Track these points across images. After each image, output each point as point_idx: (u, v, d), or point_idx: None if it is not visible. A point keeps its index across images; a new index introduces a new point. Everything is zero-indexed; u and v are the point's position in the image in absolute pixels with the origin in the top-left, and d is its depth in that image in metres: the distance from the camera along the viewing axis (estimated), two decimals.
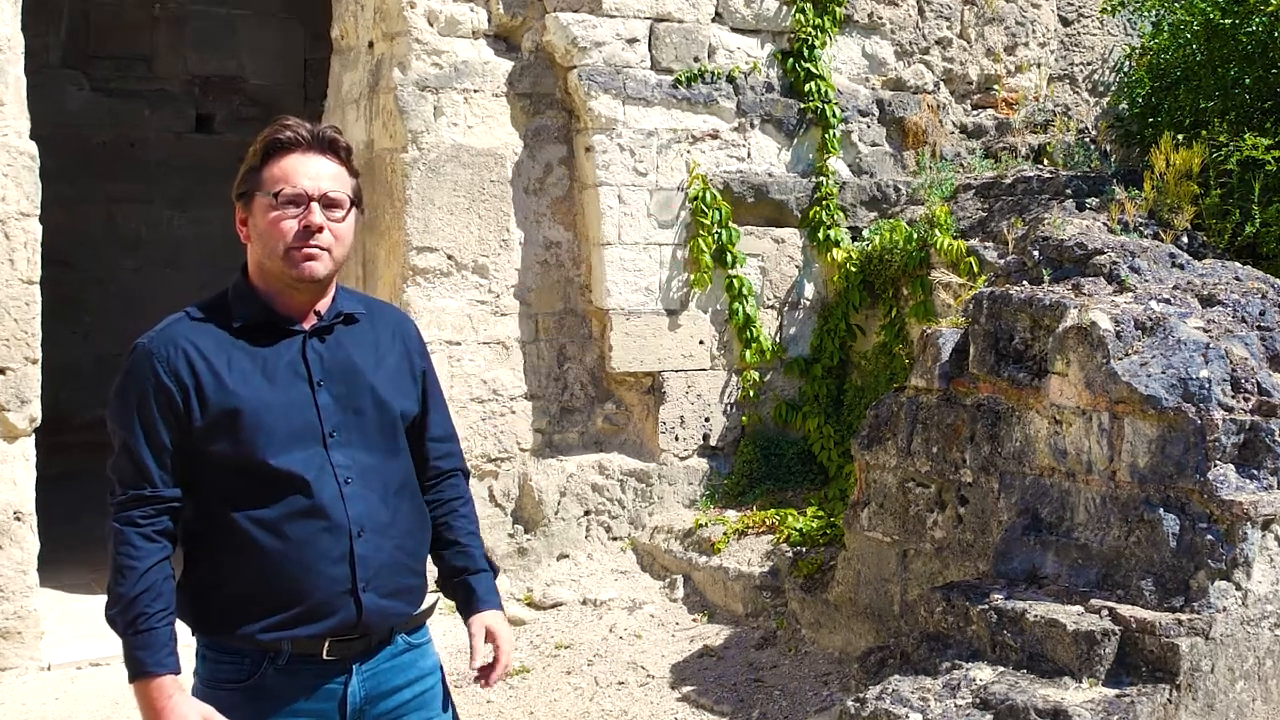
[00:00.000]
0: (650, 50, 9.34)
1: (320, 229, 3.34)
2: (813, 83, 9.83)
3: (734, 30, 9.68)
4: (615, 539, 9.17)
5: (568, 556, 9.00)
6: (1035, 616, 5.56)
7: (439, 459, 3.70)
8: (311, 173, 3.36)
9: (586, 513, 9.11)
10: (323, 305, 3.47)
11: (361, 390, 3.44)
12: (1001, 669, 5.53)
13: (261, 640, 3.28)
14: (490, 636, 3.65)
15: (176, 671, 3.21)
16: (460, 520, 3.72)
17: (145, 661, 3.18)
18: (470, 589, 3.70)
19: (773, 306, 9.73)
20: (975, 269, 8.68)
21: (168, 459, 3.28)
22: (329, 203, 3.37)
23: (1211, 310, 6.35)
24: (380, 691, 3.42)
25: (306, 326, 3.43)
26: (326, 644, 3.31)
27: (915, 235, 9.19)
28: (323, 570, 3.28)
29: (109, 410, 3.35)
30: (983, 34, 10.90)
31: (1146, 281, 6.63)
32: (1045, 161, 10.35)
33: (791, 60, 9.86)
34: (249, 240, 3.43)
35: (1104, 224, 7.96)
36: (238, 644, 3.32)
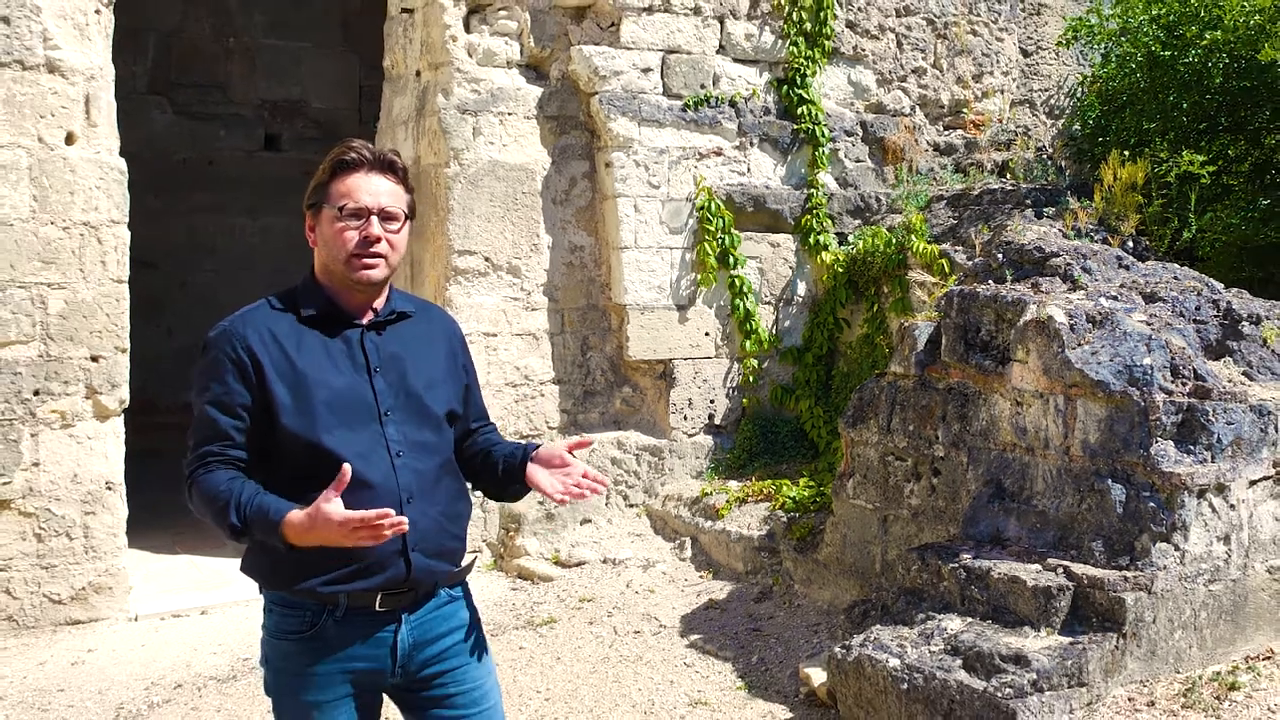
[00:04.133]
0: (662, 78, 9.33)
1: (378, 239, 3.36)
2: (804, 107, 9.83)
3: (735, 61, 9.67)
4: (631, 506, 9.18)
5: (590, 521, 9.00)
6: (999, 574, 5.56)
7: (478, 434, 3.71)
8: (372, 189, 3.38)
9: None
10: (379, 303, 3.48)
11: (412, 378, 3.45)
12: (970, 620, 5.53)
13: (321, 593, 3.29)
14: (566, 460, 3.50)
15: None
16: (502, 442, 3.68)
17: (269, 512, 3.15)
18: (523, 452, 3.57)
19: (769, 303, 9.73)
20: (947, 270, 8.67)
21: (238, 424, 3.29)
22: (386, 216, 3.39)
23: (1153, 306, 6.34)
24: (426, 639, 3.42)
25: (365, 321, 3.44)
26: (379, 597, 3.32)
27: (894, 240, 9.18)
28: None
29: (192, 385, 3.36)
30: (953, 64, 10.87)
31: (1096, 281, 6.62)
32: (1008, 176, 10.33)
33: (786, 87, 9.85)
34: (316, 245, 3.45)
35: (1059, 230, 7.94)
36: (299, 597, 3.32)
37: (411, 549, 3.33)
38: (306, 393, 3.29)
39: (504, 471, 3.59)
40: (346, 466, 3.14)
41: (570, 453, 3.53)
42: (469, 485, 3.69)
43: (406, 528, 3.12)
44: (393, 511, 3.09)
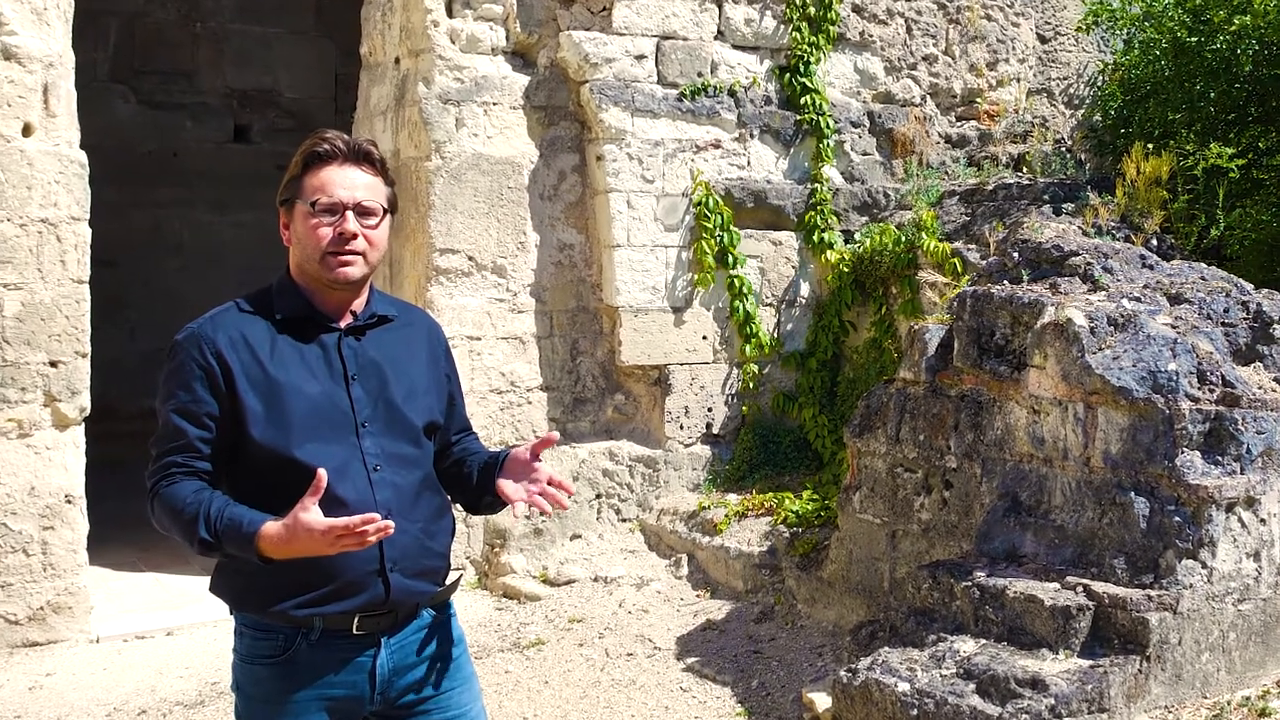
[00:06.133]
0: (657, 66, 9.34)
1: (354, 236, 3.34)
2: (808, 96, 9.83)
3: (735, 47, 9.68)
4: (624, 520, 9.17)
5: (580, 537, 9.00)
6: (1015, 592, 5.56)
7: (458, 445, 3.70)
8: (347, 183, 3.36)
9: (598, 496, 9.12)
10: (358, 305, 3.47)
11: (391, 386, 3.43)
12: (984, 641, 5.53)
13: (294, 616, 3.27)
14: (532, 464, 3.52)
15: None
16: (480, 451, 3.67)
17: (243, 524, 3.11)
18: (497, 461, 3.57)
19: (771, 304, 9.73)
20: (959, 269, 8.67)
21: (205, 435, 3.26)
22: (362, 211, 3.37)
23: (1179, 308, 6.34)
24: (407, 663, 3.41)
25: (343, 325, 3.43)
26: (356, 620, 3.31)
27: (903, 238, 9.18)
28: (353, 551, 3.26)
29: (158, 391, 3.34)
30: (966, 51, 10.88)
31: (1118, 281, 6.62)
32: (1024, 169, 10.34)
33: (788, 75, 9.86)
34: (290, 243, 3.44)
35: (1079, 227, 7.95)
36: (272, 620, 3.31)
37: (390, 569, 3.32)
38: (279, 401, 3.27)
39: (477, 482, 3.59)
40: (321, 472, 3.11)
41: (536, 455, 3.52)
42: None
43: (392, 530, 3.09)
44: (378, 515, 3.07)
